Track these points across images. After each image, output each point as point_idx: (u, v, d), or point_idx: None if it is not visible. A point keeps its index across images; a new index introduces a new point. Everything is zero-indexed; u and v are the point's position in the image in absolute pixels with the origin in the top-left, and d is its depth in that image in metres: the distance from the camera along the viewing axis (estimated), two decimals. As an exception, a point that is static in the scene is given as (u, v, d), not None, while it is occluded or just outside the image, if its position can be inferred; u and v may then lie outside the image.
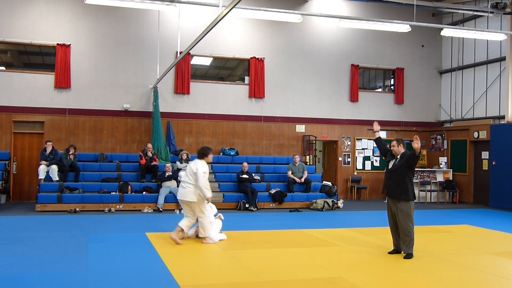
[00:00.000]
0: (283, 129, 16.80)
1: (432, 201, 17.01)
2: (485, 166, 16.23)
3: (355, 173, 17.56)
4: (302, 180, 14.75)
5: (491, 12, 14.98)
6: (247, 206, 13.59)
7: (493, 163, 15.45)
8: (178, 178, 13.01)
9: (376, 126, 8.30)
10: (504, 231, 10.56)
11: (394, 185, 7.53)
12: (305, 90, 16.97)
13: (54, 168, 13.23)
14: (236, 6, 8.24)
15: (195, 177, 8.16)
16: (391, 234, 7.79)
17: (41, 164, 13.27)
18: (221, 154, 15.85)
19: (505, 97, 15.46)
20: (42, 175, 13.15)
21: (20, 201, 14.37)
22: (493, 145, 15.55)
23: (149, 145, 14.21)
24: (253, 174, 14.67)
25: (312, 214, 13.09)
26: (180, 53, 12.69)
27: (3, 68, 15.17)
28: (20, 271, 6.34)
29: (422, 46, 18.33)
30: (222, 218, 9.01)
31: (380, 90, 18.89)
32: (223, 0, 8.83)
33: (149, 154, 14.00)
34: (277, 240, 8.90)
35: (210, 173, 14.38)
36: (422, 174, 17.15)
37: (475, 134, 16.48)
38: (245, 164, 14.47)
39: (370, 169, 17.72)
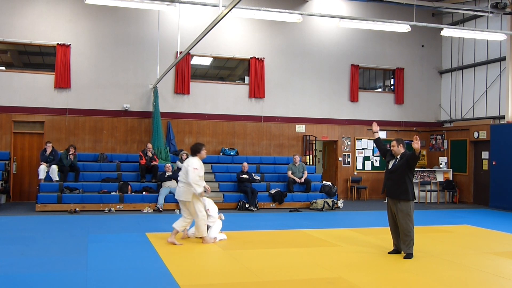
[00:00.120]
0: (283, 129, 16.80)
1: (432, 201, 17.00)
2: (485, 166, 16.23)
3: (355, 173, 17.56)
4: (302, 180, 14.75)
5: (491, 12, 14.98)
6: (247, 206, 13.59)
7: (493, 163, 15.45)
8: (178, 178, 12.99)
9: (375, 127, 8.31)
10: (504, 231, 10.56)
11: (394, 185, 7.53)
12: (305, 90, 16.97)
13: (54, 168, 13.23)
14: (236, 6, 8.24)
15: (187, 174, 8.14)
16: (391, 234, 7.80)
17: (41, 164, 13.28)
18: (221, 154, 15.85)
19: (505, 97, 15.46)
20: (42, 175, 13.15)
21: (20, 201, 14.37)
22: (493, 145, 15.55)
23: (149, 145, 14.21)
24: (253, 174, 14.67)
25: (312, 214, 13.09)
26: (180, 53, 12.69)
27: (3, 68, 15.18)
28: (20, 271, 6.34)
29: (422, 46, 18.33)
30: (223, 218, 9.01)
31: (380, 90, 18.89)
32: (223, 0, 8.83)
33: (149, 154, 14.00)
34: (277, 240, 8.90)
35: (210, 173, 14.53)
36: (422, 174, 17.15)
37: (475, 134, 16.48)
38: (245, 164, 14.47)
39: (370, 169, 17.72)
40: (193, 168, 8.09)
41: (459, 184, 17.15)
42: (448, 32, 13.24)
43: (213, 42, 15.63)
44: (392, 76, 18.39)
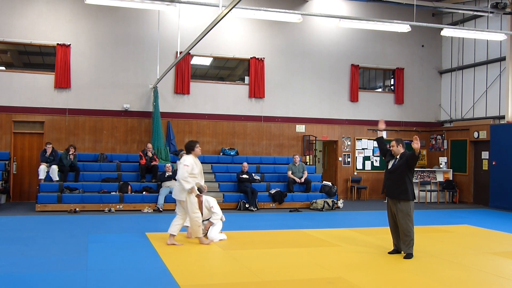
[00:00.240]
0: (283, 129, 16.80)
1: (432, 201, 17.00)
2: (485, 166, 16.23)
3: (355, 173, 17.56)
4: (302, 180, 14.75)
5: (491, 12, 14.97)
6: (247, 206, 13.59)
7: (493, 163, 15.45)
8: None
9: (382, 125, 8.15)
10: (504, 231, 10.56)
11: (394, 185, 7.53)
12: (305, 90, 16.97)
13: (54, 168, 13.23)
14: (236, 6, 8.24)
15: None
16: (391, 234, 7.79)
17: (41, 164, 13.27)
18: (221, 154, 15.85)
19: (505, 97, 15.46)
20: (42, 175, 13.15)
21: (20, 201, 14.37)
22: (493, 145, 15.55)
23: (149, 145, 14.21)
24: (253, 174, 14.67)
25: (312, 214, 13.09)
26: (180, 53, 12.69)
27: (3, 68, 15.18)
28: (20, 271, 6.34)
29: (422, 46, 18.33)
30: (223, 219, 8.99)
31: (380, 90, 18.89)
32: (223, 0, 8.83)
33: (149, 154, 14.00)
34: (277, 240, 8.90)
35: (210, 173, 14.53)
36: (422, 174, 17.15)
37: (475, 134, 16.48)
38: (245, 164, 14.47)
39: (370, 169, 17.72)
40: (184, 165, 8.08)
41: (459, 184, 17.15)
42: (448, 32, 13.25)
43: (213, 42, 15.63)
44: (392, 76, 18.39)
